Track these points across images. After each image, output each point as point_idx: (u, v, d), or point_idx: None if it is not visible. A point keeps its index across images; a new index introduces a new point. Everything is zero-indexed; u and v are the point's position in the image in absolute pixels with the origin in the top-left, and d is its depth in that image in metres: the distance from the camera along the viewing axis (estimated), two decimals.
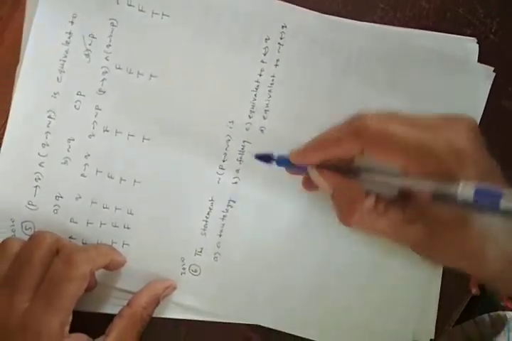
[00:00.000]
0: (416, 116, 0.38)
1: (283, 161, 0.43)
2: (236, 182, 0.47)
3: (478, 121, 0.47)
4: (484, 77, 0.47)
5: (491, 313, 0.65)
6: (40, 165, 0.46)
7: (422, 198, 0.39)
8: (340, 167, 0.40)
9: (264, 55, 0.47)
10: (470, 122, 0.38)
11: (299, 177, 0.45)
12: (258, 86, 0.47)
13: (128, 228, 0.47)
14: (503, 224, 0.38)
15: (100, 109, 0.46)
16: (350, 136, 0.38)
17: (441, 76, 0.47)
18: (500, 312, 0.65)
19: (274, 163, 0.44)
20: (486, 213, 0.35)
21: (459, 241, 0.38)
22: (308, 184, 0.44)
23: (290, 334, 0.47)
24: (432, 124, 0.38)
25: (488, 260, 0.38)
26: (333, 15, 0.47)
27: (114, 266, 0.45)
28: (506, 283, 0.41)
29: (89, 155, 0.46)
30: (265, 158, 0.44)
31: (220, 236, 0.47)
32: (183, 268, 0.47)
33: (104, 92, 0.46)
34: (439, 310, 0.48)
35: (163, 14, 0.46)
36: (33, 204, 0.46)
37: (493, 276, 0.41)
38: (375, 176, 0.39)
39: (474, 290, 0.46)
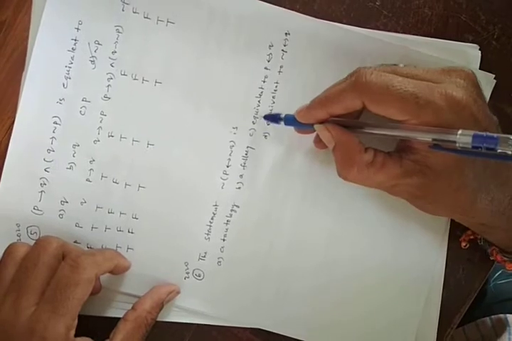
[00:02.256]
0: (414, 70, 0.40)
1: (290, 120, 0.44)
2: (240, 188, 0.47)
3: None
4: (485, 84, 0.47)
5: (492, 316, 0.66)
6: (45, 170, 0.47)
7: (420, 149, 0.40)
8: (344, 123, 0.42)
9: (268, 61, 0.47)
10: (468, 74, 0.40)
11: (301, 181, 0.46)
12: (262, 92, 0.47)
13: (132, 232, 0.47)
14: (494, 175, 0.41)
15: (105, 115, 0.47)
16: (350, 90, 0.40)
17: None
18: (501, 315, 0.65)
19: (282, 122, 0.45)
20: (484, 158, 0.37)
21: (453, 191, 0.40)
22: (319, 142, 0.45)
23: (292, 338, 0.48)
24: (430, 76, 0.39)
25: (478, 208, 0.41)
26: (336, 22, 0.47)
27: (118, 271, 0.46)
28: (495, 233, 0.44)
29: (94, 160, 0.47)
30: (273, 118, 0.46)
31: (224, 240, 0.47)
32: (187, 273, 0.47)
33: (109, 98, 0.47)
34: (440, 314, 0.48)
35: (168, 21, 0.46)
36: (38, 209, 0.47)
37: (483, 227, 0.43)
38: (377, 130, 0.40)
39: (464, 244, 0.47)
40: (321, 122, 0.42)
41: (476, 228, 0.45)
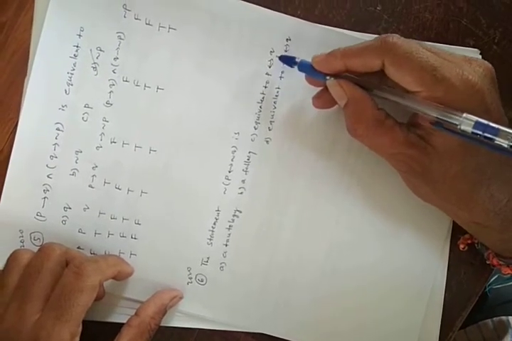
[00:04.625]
0: (438, 50, 0.41)
1: (305, 66, 0.44)
2: (242, 193, 0.47)
3: None
4: None
5: (494, 318, 0.66)
6: (48, 176, 0.47)
7: (426, 126, 0.41)
8: (356, 81, 0.42)
9: (269, 67, 0.47)
10: (488, 66, 0.41)
11: (303, 186, 0.46)
12: (263, 98, 0.47)
13: (135, 238, 0.47)
14: (497, 173, 0.41)
15: (108, 121, 0.47)
16: (375, 47, 0.40)
17: None
18: (503, 317, 0.65)
19: (296, 67, 0.44)
20: (479, 145, 0.37)
21: (451, 177, 0.41)
22: (319, 99, 0.45)
23: None
24: (451, 58, 0.40)
25: (474, 202, 0.41)
26: (337, 27, 0.48)
27: (122, 276, 0.46)
28: (489, 234, 0.44)
29: (96, 166, 0.47)
30: (289, 60, 0.45)
31: (226, 245, 0.47)
32: (190, 278, 0.47)
33: (111, 104, 0.47)
34: (442, 317, 0.48)
35: (169, 28, 0.47)
36: (41, 216, 0.47)
37: (477, 226, 0.43)
38: (386, 94, 0.41)
39: (462, 246, 0.47)
40: (335, 75, 0.42)
41: (470, 227, 0.45)
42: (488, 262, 0.46)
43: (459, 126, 0.36)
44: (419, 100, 0.39)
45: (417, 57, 0.39)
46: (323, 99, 0.44)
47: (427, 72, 0.38)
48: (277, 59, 0.46)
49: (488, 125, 0.35)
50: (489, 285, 0.74)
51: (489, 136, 0.35)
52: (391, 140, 0.42)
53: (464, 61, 0.40)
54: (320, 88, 0.45)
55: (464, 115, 0.36)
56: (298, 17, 0.47)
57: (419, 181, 0.43)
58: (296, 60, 0.44)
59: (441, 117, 0.38)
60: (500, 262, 0.45)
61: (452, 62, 0.39)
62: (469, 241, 0.47)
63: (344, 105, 0.42)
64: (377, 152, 0.44)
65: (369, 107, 0.42)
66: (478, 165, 0.40)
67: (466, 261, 0.48)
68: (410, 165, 0.42)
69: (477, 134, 0.36)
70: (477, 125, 0.35)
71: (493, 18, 0.49)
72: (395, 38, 0.40)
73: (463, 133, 0.37)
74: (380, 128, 0.42)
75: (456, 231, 0.48)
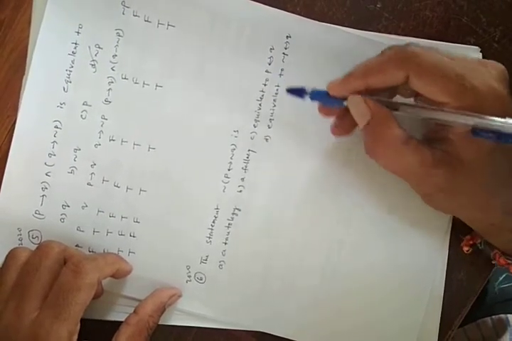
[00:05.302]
0: (454, 55, 0.40)
1: (318, 94, 0.42)
2: (241, 191, 0.47)
3: None
4: None
5: (493, 316, 0.66)
6: (46, 174, 0.47)
7: (453, 139, 0.39)
8: (380, 101, 0.40)
9: (269, 64, 0.47)
10: (502, 68, 0.40)
11: (302, 184, 0.46)
12: (263, 95, 0.47)
13: (134, 236, 0.47)
14: None
15: (106, 119, 0.47)
16: (397, 61, 0.39)
17: None
18: (502, 315, 0.65)
19: (307, 97, 0.42)
20: None
21: (478, 186, 0.40)
22: (338, 127, 0.44)
23: None
24: (469, 62, 0.39)
25: (492, 205, 0.41)
26: (337, 25, 0.47)
27: (120, 275, 0.46)
28: (502, 234, 0.43)
29: (95, 164, 0.47)
30: (298, 92, 0.43)
31: (226, 244, 0.47)
32: (189, 276, 0.47)
33: (110, 102, 0.47)
34: (441, 316, 0.48)
35: (168, 24, 0.46)
36: (40, 214, 0.47)
37: (491, 228, 0.43)
38: (416, 110, 0.39)
39: (466, 249, 0.47)
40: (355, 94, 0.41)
41: (484, 229, 0.44)
42: (493, 262, 0.46)
43: (503, 129, 0.35)
44: (453, 111, 0.37)
45: (443, 66, 0.38)
46: (343, 126, 0.43)
47: (455, 81, 0.37)
48: (277, 56, 0.47)
49: None
50: (498, 284, 0.74)
51: None
52: (418, 160, 0.40)
53: (480, 65, 0.40)
54: (333, 117, 0.44)
55: (506, 119, 0.35)
56: (298, 14, 0.47)
57: (442, 197, 0.42)
58: (306, 90, 0.42)
59: (480, 124, 0.36)
60: (509, 261, 0.45)
61: (474, 69, 0.39)
62: (471, 242, 0.47)
63: (366, 124, 0.41)
64: (399, 174, 0.43)
65: (394, 126, 0.40)
66: (499, 173, 0.40)
67: (465, 260, 0.48)
68: (437, 184, 0.41)
69: None
70: None
71: (494, 16, 0.49)
72: (414, 47, 0.38)
73: (507, 136, 0.35)
74: (406, 147, 0.40)
75: (457, 231, 0.48)
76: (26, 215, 0.47)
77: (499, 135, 0.36)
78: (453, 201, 0.42)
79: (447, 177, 0.40)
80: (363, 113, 0.40)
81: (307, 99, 0.42)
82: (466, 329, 0.67)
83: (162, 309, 0.45)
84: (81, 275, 0.41)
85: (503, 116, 0.36)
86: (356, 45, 0.47)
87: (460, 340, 0.67)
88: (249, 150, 0.47)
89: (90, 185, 0.47)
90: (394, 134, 0.40)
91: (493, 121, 0.36)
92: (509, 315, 0.66)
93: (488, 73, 0.39)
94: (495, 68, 0.40)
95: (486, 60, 0.40)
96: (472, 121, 0.37)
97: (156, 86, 0.47)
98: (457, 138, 0.39)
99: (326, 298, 0.48)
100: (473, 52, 0.48)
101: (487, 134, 0.37)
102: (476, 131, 0.37)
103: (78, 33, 0.46)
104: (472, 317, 0.67)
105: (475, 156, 0.39)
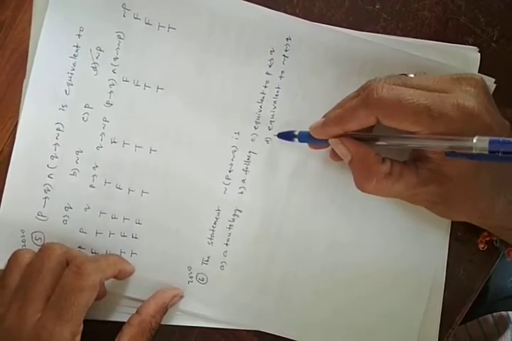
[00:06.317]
0: (424, 80, 0.40)
1: (305, 137, 0.44)
2: (242, 192, 0.48)
3: None
4: None
5: (495, 313, 0.66)
6: (49, 176, 0.47)
7: (434, 158, 0.40)
8: (359, 136, 0.42)
9: (270, 66, 0.47)
10: (478, 81, 0.40)
11: (303, 185, 0.46)
12: (263, 97, 0.47)
13: (136, 238, 0.47)
14: (511, 177, 0.41)
15: (108, 121, 0.47)
16: (363, 108, 0.40)
17: None
18: (504, 313, 0.66)
19: (296, 140, 0.45)
20: (501, 162, 0.37)
21: (471, 198, 0.41)
22: (335, 156, 0.45)
23: None
24: (440, 86, 0.40)
25: (496, 212, 0.41)
26: (335, 26, 0.48)
27: (122, 276, 0.46)
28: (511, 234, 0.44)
29: (97, 166, 0.47)
30: (287, 136, 0.46)
31: (227, 245, 0.48)
32: (191, 277, 0.48)
33: (111, 104, 0.47)
34: (442, 314, 0.48)
35: (169, 27, 0.47)
36: (42, 215, 0.47)
37: (500, 229, 0.44)
38: (392, 141, 0.40)
39: (482, 246, 0.47)
40: (336, 137, 0.42)
41: (493, 230, 0.45)
42: (508, 259, 0.46)
43: (474, 150, 0.35)
44: (426, 137, 0.38)
45: (408, 103, 0.38)
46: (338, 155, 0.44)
47: (422, 113, 0.38)
48: (277, 58, 0.47)
49: (503, 141, 0.34)
50: (511, 281, 0.74)
51: (508, 150, 0.34)
52: (404, 185, 0.42)
53: (454, 83, 0.40)
54: (327, 149, 0.46)
55: (476, 138, 0.35)
56: (297, 16, 0.47)
57: (441, 208, 0.44)
58: (295, 133, 0.45)
59: (454, 146, 0.37)
60: None
61: (443, 92, 0.39)
62: (488, 239, 0.47)
63: (349, 162, 0.42)
64: (393, 197, 0.44)
65: (374, 162, 0.41)
66: (493, 180, 0.40)
67: (466, 258, 0.48)
68: (429, 200, 0.43)
69: (494, 152, 0.35)
70: (492, 144, 0.34)
71: (492, 16, 0.49)
72: (379, 91, 0.39)
73: (480, 156, 0.36)
74: (390, 179, 0.41)
75: (456, 229, 0.48)
76: (29, 217, 0.47)
77: (471, 155, 0.36)
78: (454, 210, 0.44)
79: (437, 192, 0.42)
80: (343, 153, 0.42)
81: (296, 141, 0.45)
82: (467, 326, 0.67)
83: (164, 309, 0.46)
84: (83, 277, 0.41)
85: (481, 133, 0.35)
86: (355, 46, 0.47)
87: (462, 337, 0.67)
88: (249, 151, 0.48)
89: (92, 186, 0.47)
90: (375, 169, 0.41)
91: (464, 142, 0.36)
92: (510, 312, 0.66)
93: (463, 92, 0.39)
94: (471, 84, 0.39)
95: (461, 76, 0.40)
96: (444, 144, 0.37)
97: (157, 88, 0.47)
98: (437, 157, 0.40)
99: (327, 299, 0.48)
100: (471, 52, 0.48)
101: (460, 155, 0.38)
102: (451, 153, 0.38)
103: (79, 35, 0.47)
104: (473, 314, 0.67)
105: (459, 171, 0.40)
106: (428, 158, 0.41)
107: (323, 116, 0.44)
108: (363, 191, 0.43)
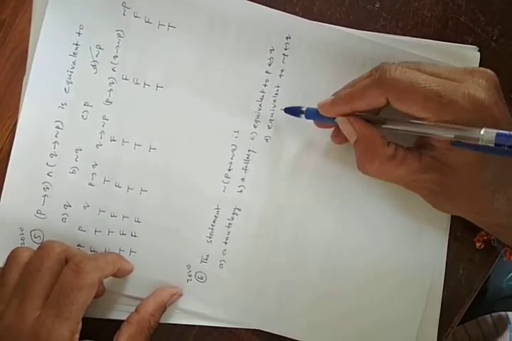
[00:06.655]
0: (437, 68, 0.41)
1: (312, 114, 0.44)
2: (241, 191, 0.48)
3: None
4: None
5: (493, 313, 0.66)
6: (48, 174, 0.47)
7: (439, 146, 0.41)
8: (366, 117, 0.42)
9: (269, 65, 0.47)
10: (490, 75, 0.40)
11: (302, 184, 0.46)
12: (263, 96, 0.47)
13: (135, 236, 0.47)
14: None
15: (107, 119, 0.47)
16: (375, 87, 0.40)
17: None
18: (502, 313, 0.65)
19: (303, 116, 0.45)
20: (505, 157, 0.38)
21: (471, 190, 0.41)
22: (337, 137, 0.45)
23: (293, 340, 0.48)
24: (453, 75, 0.40)
25: (494, 208, 0.41)
26: (335, 25, 0.48)
27: (121, 274, 0.46)
28: (509, 233, 0.44)
29: (96, 164, 0.47)
30: (294, 111, 0.45)
31: (226, 243, 0.48)
32: (189, 275, 0.48)
33: (111, 103, 0.47)
34: (440, 313, 0.48)
35: (169, 25, 0.47)
36: (41, 213, 0.47)
37: (498, 227, 0.44)
38: (399, 125, 0.40)
39: (479, 245, 0.47)
40: (344, 116, 0.42)
41: (490, 229, 0.45)
42: (504, 259, 0.46)
43: (480, 142, 0.35)
44: (433, 124, 0.39)
45: (419, 87, 0.38)
46: (341, 135, 0.44)
47: (433, 99, 0.38)
48: (277, 57, 0.47)
49: (509, 135, 0.35)
50: (506, 281, 0.74)
51: None
52: (406, 170, 0.42)
53: (466, 74, 0.40)
54: (331, 129, 0.46)
55: (483, 130, 0.35)
56: (297, 15, 0.47)
57: (438, 199, 0.44)
58: (302, 108, 0.45)
59: (460, 135, 0.37)
60: None
61: (455, 81, 0.39)
62: (485, 238, 0.47)
63: (354, 142, 0.42)
64: (394, 183, 0.44)
65: (379, 144, 0.41)
66: (494, 175, 0.40)
67: (465, 257, 0.48)
68: (428, 188, 0.43)
69: (500, 145, 0.35)
70: (499, 137, 0.35)
71: (492, 16, 0.49)
72: (392, 72, 0.39)
73: (485, 148, 0.36)
74: (392, 162, 0.42)
75: (455, 228, 0.48)
76: (28, 215, 0.47)
77: (476, 146, 0.36)
78: (454, 204, 0.44)
79: (437, 181, 0.42)
80: (349, 133, 0.42)
81: (303, 117, 0.45)
82: (466, 326, 0.67)
83: (163, 308, 0.46)
84: (82, 275, 0.41)
85: (481, 127, 0.36)
86: (355, 45, 0.47)
87: (460, 337, 0.67)
88: (249, 150, 0.48)
89: (92, 185, 0.47)
90: (379, 151, 0.42)
91: (471, 132, 0.36)
92: (509, 313, 0.65)
93: (475, 83, 0.39)
94: (483, 77, 0.40)
95: (474, 69, 0.40)
96: (451, 133, 0.37)
97: (157, 86, 0.47)
98: (442, 146, 0.40)
99: (326, 297, 0.48)
100: (471, 51, 0.48)
101: (465, 145, 0.38)
102: (456, 143, 0.38)
103: (79, 33, 0.47)
104: (472, 314, 0.66)
105: (461, 162, 0.40)
106: (432, 146, 0.41)
107: (333, 95, 0.43)
108: (364, 173, 0.43)
